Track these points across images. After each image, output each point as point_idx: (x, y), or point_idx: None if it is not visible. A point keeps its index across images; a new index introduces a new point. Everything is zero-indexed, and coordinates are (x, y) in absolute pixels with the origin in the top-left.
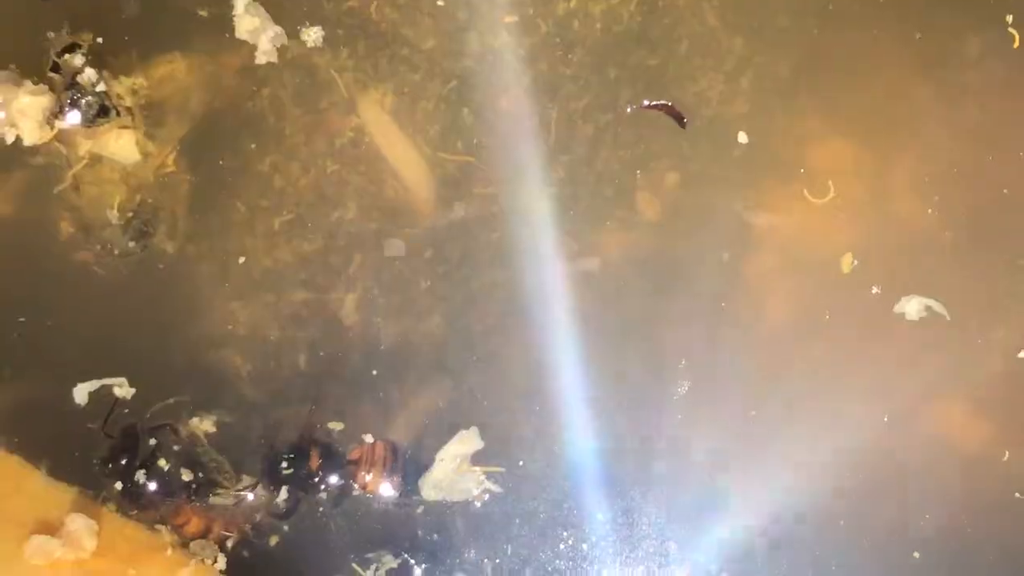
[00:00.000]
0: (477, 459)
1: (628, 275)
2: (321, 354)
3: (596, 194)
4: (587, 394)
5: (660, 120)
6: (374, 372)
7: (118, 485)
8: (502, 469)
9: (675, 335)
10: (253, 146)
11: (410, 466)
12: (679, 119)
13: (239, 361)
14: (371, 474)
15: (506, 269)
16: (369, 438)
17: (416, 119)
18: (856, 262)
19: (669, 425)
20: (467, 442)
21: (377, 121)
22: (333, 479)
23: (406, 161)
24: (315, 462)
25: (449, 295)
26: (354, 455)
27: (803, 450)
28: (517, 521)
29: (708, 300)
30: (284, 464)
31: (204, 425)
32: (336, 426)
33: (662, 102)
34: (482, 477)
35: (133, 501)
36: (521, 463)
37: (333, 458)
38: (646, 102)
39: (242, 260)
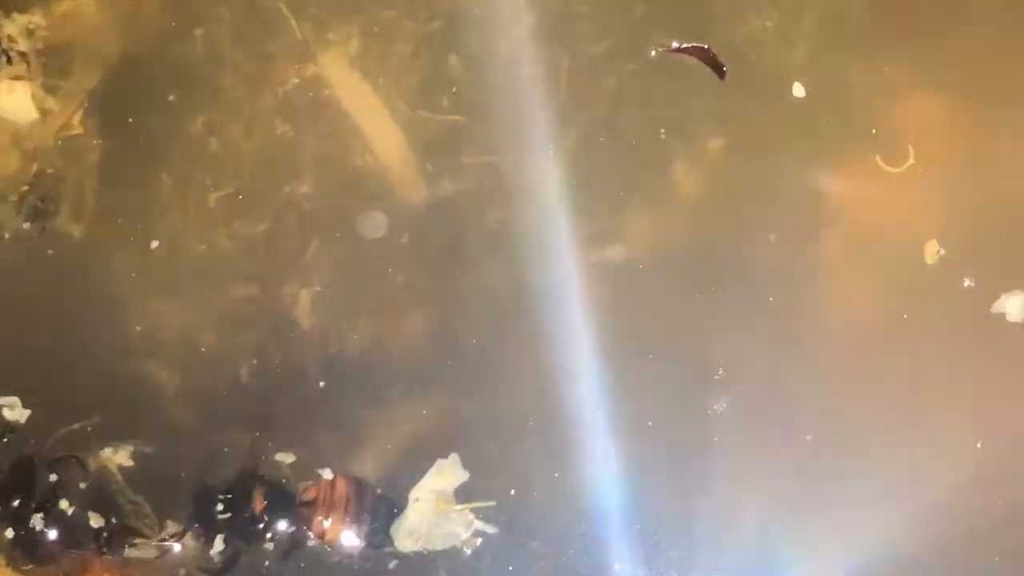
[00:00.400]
0: (462, 495)
1: (659, 266)
2: (269, 366)
3: (620, 164)
4: (601, 413)
5: (698, 70)
6: (336, 388)
7: (8, 532)
8: (492, 503)
9: (713, 339)
10: (182, 102)
11: (380, 508)
12: (717, 68)
13: (164, 375)
14: (330, 519)
15: (504, 260)
16: (328, 473)
17: (389, 68)
18: (942, 251)
19: (703, 451)
20: (447, 474)
21: (340, 70)
22: (282, 525)
23: (377, 121)
24: (259, 504)
25: (432, 291)
26: (309, 495)
27: (874, 489)
28: (511, 569)
29: (755, 296)
30: (220, 506)
31: (118, 457)
32: (286, 458)
33: (696, 44)
34: (471, 517)
35: (28, 552)
36: (514, 493)
37: (282, 499)
38: (675, 44)
39: (167, 246)
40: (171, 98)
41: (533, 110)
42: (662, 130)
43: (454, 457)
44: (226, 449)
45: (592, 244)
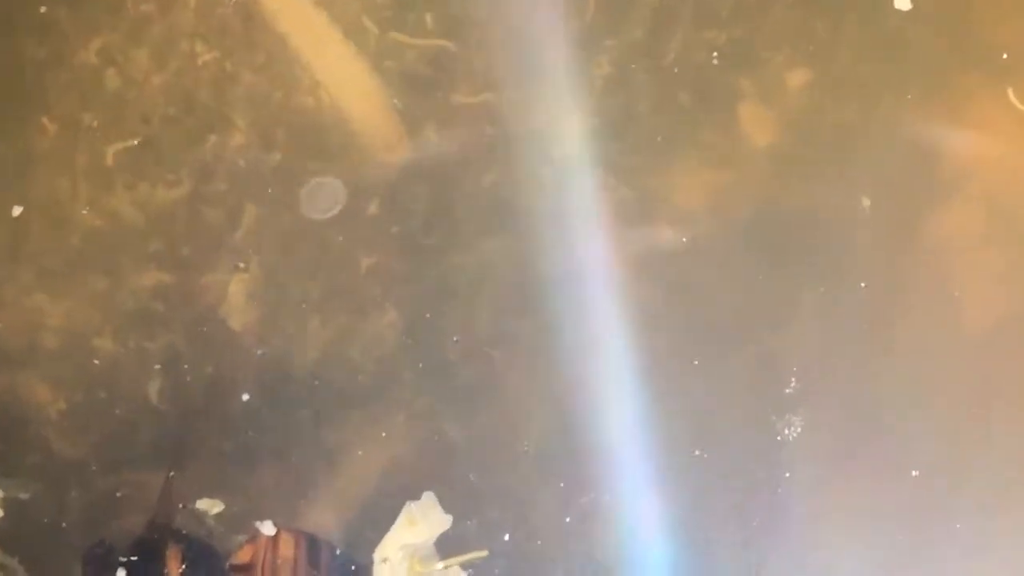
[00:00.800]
0: (446, 547)
1: (713, 246)
2: (186, 381)
3: (666, 107)
4: (632, 438)
5: None
6: (276, 410)
7: None
8: (484, 553)
9: (784, 341)
10: (68, 21)
11: (338, 572)
12: None
13: (45, 393)
14: None
15: (506, 235)
16: (267, 527)
17: None
18: None
19: (770, 490)
20: (421, 521)
21: None
22: None
23: (333, 48)
24: (175, 569)
25: (406, 278)
26: (242, 557)
27: (1008, 546)
28: None
29: (843, 283)
30: (121, 573)
31: None
32: (211, 506)
33: None
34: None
35: None
36: (511, 539)
37: (206, 562)
38: None
39: (47, 216)
40: (52, 16)
41: (548, 33)
42: (717, 58)
43: (429, 497)
44: (129, 493)
45: (624, 217)
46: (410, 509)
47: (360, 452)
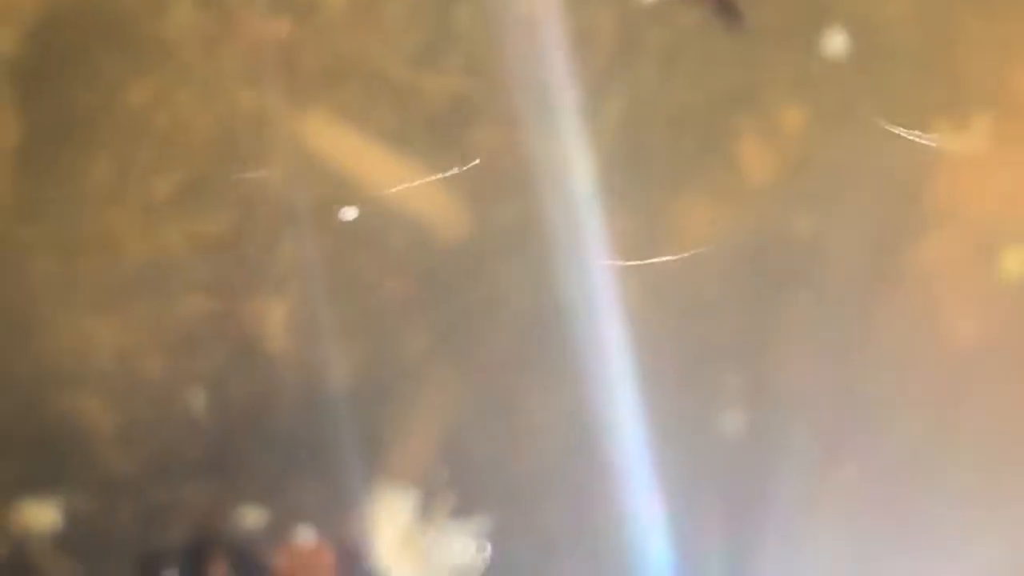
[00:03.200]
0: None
1: (720, 276)
2: (231, 398)
3: (671, 145)
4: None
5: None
6: (318, 427)
7: None
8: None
9: (797, 373)
10: (119, 66)
11: None
12: (731, 14)
13: (97, 410)
14: None
15: (524, 264)
16: (308, 535)
17: (382, 21)
18: None
19: (756, 500)
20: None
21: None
22: None
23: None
24: (220, 574)
25: (436, 304)
26: (282, 563)
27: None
28: None
29: (851, 315)
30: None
31: (42, 516)
32: (255, 515)
33: None
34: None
35: None
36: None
37: (248, 570)
38: None
39: (101, 249)
40: (105, 62)
41: (562, 75)
42: (730, 99)
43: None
44: (177, 504)
45: (632, 249)
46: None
47: (399, 470)
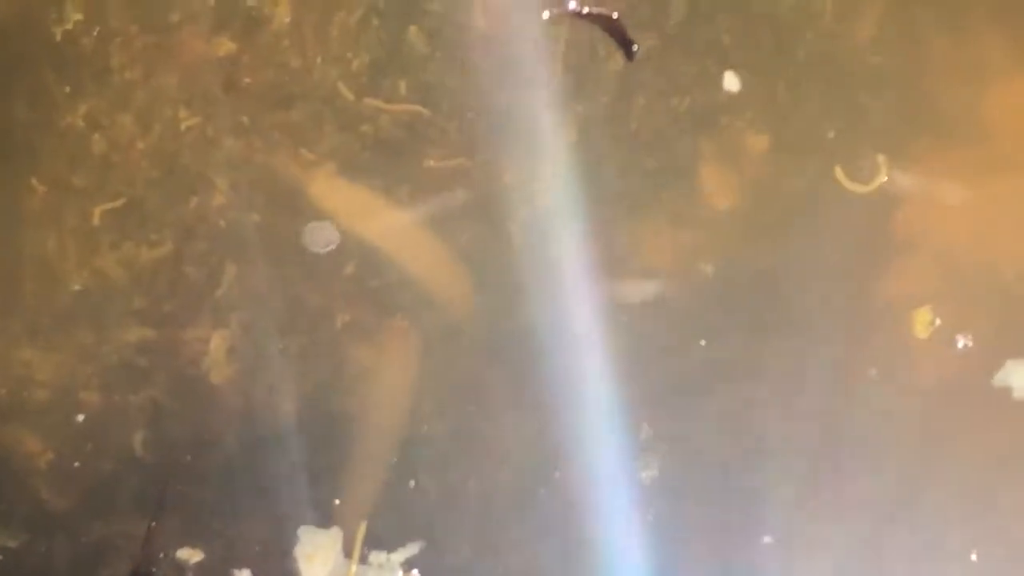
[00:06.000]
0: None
1: (686, 306)
2: (169, 434)
3: (632, 169)
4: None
5: (725, 39)
6: (260, 463)
7: None
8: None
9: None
10: (57, 87)
11: None
12: (624, 43)
13: (33, 445)
14: None
15: (479, 291)
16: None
17: (329, 41)
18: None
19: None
20: (315, 554)
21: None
22: None
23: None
24: None
25: (385, 332)
26: None
27: None
28: None
29: (801, 334)
30: None
31: None
32: (192, 555)
33: (600, 11)
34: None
35: None
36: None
37: None
38: (574, 5)
39: (37, 275)
40: (43, 83)
41: (521, 101)
42: (691, 124)
43: (307, 531)
44: (114, 542)
45: (599, 278)
46: (297, 552)
47: (346, 506)
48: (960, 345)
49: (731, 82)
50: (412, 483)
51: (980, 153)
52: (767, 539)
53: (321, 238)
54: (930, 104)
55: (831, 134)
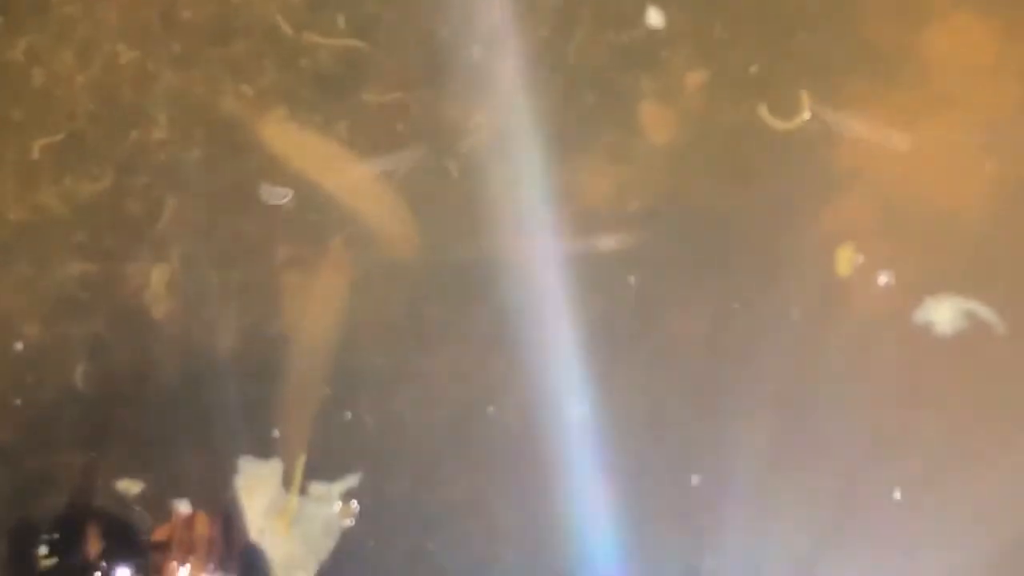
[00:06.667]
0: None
1: (620, 243)
2: (110, 365)
3: (572, 104)
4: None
5: None
6: (197, 396)
7: None
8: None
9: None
10: None
11: (256, 553)
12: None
13: None
14: (187, 567)
15: (417, 223)
16: (185, 506)
17: None
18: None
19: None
20: (256, 486)
21: None
22: (123, 574)
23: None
24: (94, 546)
25: (321, 264)
26: (160, 535)
27: None
28: None
29: (743, 283)
30: (43, 549)
31: None
32: (130, 486)
33: None
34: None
35: None
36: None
37: (124, 540)
38: None
39: None
40: None
41: (457, 33)
42: (631, 62)
43: (247, 461)
44: (53, 474)
45: (530, 209)
46: (237, 483)
47: (281, 437)
48: (882, 282)
49: (655, 18)
50: (349, 415)
51: (914, 92)
52: (695, 479)
53: (276, 194)
54: (864, 42)
55: (754, 70)
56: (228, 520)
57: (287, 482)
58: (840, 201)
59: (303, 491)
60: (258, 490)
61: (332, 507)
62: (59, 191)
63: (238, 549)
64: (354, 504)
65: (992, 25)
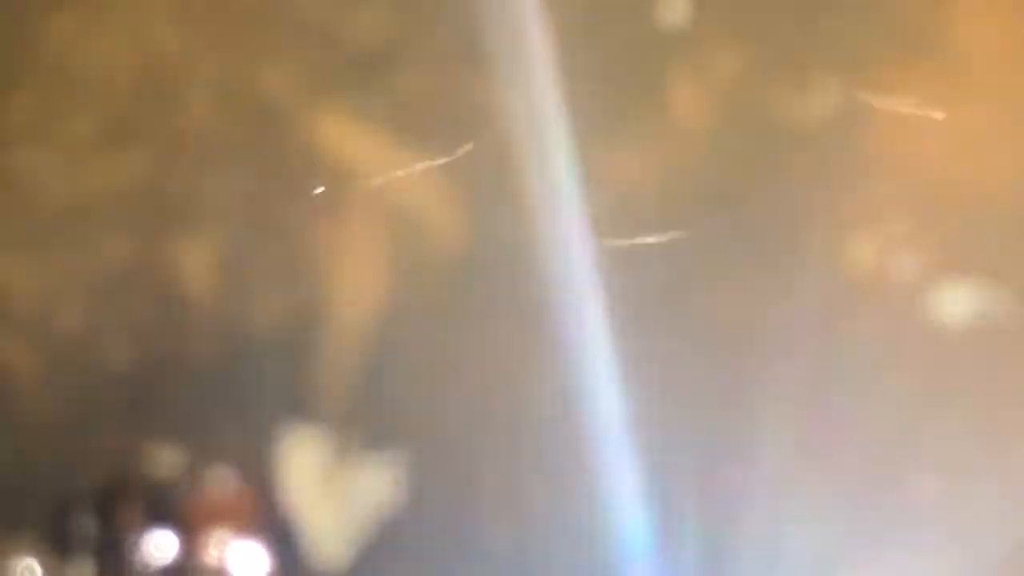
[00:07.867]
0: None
1: (662, 231)
2: (152, 342)
3: (607, 90)
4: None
5: None
6: (236, 367)
7: None
8: None
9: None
10: (40, 1)
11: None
12: None
13: (16, 353)
14: (224, 538)
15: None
16: (222, 478)
17: None
18: None
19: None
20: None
21: None
22: (161, 543)
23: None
24: (133, 517)
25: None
26: (197, 506)
27: None
28: None
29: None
30: (83, 521)
31: None
32: (170, 457)
33: None
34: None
35: None
36: None
37: (162, 511)
38: None
39: (17, 188)
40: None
41: (495, 10)
42: (661, 48)
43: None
44: (95, 449)
45: (564, 190)
46: (275, 455)
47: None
48: (916, 266)
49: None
50: (389, 391)
51: (947, 74)
52: (723, 465)
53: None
54: (896, 24)
55: (787, 53)
56: (264, 492)
57: (325, 455)
58: (873, 185)
59: (343, 464)
60: (296, 462)
61: (372, 480)
62: (101, 169)
63: (274, 521)
64: (393, 477)
65: None
